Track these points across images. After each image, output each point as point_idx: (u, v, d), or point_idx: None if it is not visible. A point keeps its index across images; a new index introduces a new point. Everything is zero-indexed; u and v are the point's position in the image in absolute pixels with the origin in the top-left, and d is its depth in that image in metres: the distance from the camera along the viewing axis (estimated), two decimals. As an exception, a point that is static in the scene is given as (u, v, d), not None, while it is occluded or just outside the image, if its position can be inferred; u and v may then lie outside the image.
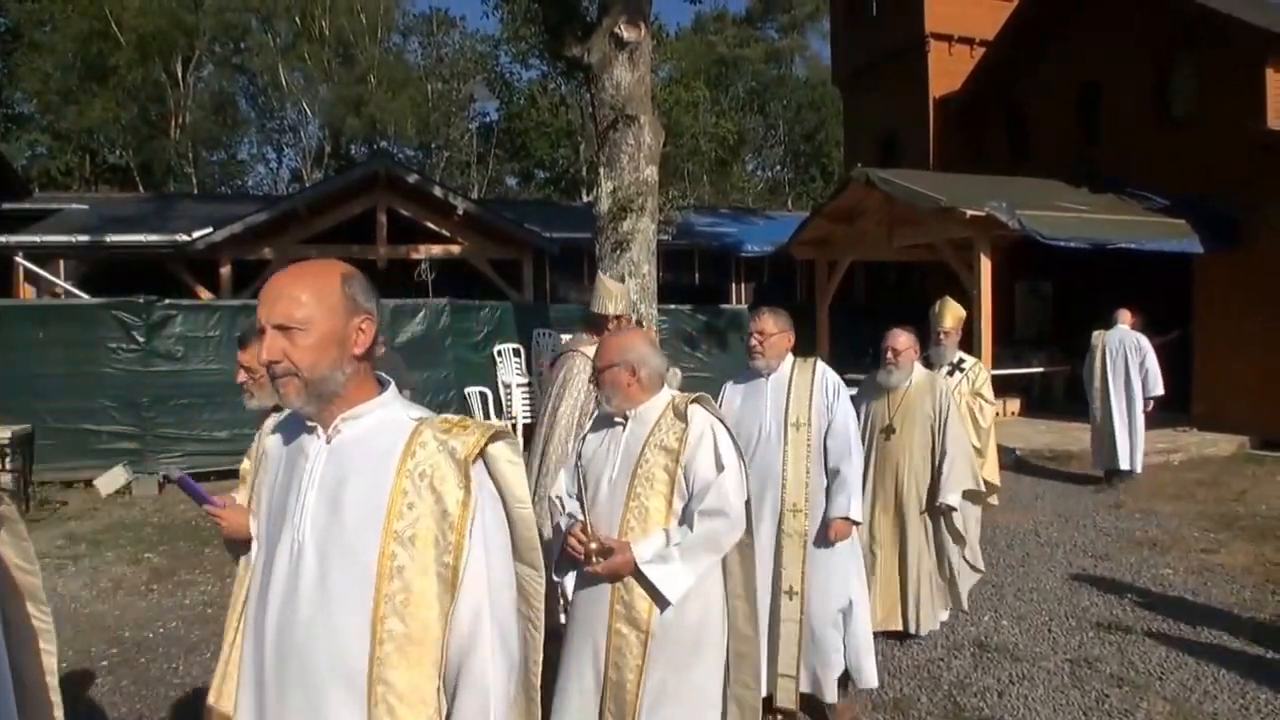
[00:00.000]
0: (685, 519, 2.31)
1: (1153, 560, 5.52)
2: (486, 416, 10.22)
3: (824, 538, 3.29)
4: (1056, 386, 12.55)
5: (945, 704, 3.55)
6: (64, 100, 26.16)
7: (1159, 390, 7.58)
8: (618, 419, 2.45)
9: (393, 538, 1.33)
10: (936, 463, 4.06)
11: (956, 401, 4.63)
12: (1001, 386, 10.87)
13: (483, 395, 10.32)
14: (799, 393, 3.31)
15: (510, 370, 10.56)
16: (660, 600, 2.26)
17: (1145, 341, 7.67)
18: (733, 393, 3.51)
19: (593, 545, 2.24)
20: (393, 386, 1.50)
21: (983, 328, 9.29)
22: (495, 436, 1.44)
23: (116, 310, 8.43)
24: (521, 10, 16.70)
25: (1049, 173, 11.66)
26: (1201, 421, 9.97)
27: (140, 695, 3.85)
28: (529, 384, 10.49)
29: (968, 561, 4.35)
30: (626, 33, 7.90)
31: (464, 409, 10.16)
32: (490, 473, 1.43)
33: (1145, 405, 7.60)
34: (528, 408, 10.43)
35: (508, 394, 10.42)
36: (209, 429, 8.53)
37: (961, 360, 5.12)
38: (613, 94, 8.02)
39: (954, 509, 4.10)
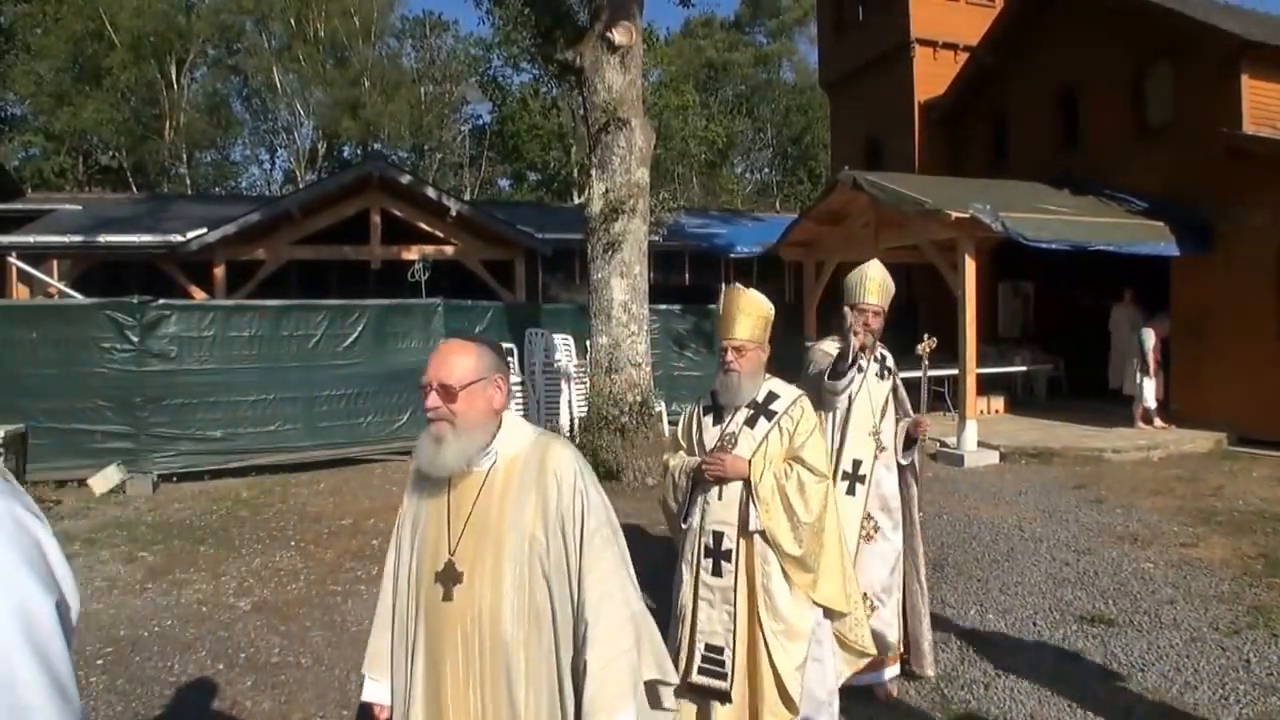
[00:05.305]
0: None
1: (1134, 554, 5.58)
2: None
3: None
4: (1039, 384, 12.69)
5: (933, 696, 3.58)
6: (58, 101, 26.11)
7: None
8: None
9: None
10: (574, 644, 1.70)
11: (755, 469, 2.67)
12: (986, 385, 11.02)
13: (475, 395, 10.33)
14: None
15: (502, 370, 10.59)
16: None
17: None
18: None
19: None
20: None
21: (968, 328, 9.39)
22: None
23: (110, 310, 8.41)
24: (513, 14, 16.77)
25: (1029, 176, 11.78)
26: (1179, 419, 10.11)
27: (135, 694, 3.85)
28: (521, 383, 10.56)
29: None
30: (617, 37, 7.99)
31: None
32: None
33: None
34: (520, 407, 10.50)
35: (500, 394, 10.46)
36: (203, 428, 8.55)
37: (770, 398, 2.75)
38: (604, 97, 8.11)
39: None
